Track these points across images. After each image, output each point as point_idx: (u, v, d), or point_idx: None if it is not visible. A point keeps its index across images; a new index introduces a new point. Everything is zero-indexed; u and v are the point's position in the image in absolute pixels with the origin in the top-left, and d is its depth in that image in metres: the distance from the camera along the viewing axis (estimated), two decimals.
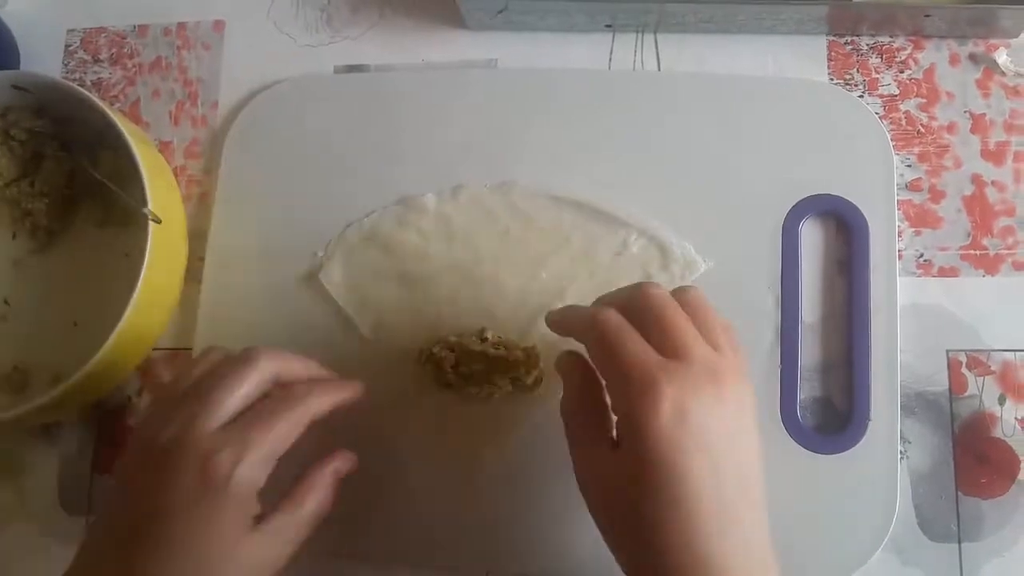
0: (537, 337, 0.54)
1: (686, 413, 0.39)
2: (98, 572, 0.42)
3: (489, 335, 0.53)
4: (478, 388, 0.53)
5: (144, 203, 0.54)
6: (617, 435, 0.41)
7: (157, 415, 0.45)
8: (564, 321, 0.46)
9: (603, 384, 0.43)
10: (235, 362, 0.45)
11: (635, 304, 0.42)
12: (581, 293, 0.54)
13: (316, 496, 0.46)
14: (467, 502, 0.53)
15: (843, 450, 0.51)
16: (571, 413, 0.45)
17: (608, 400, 0.43)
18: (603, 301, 0.44)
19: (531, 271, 0.55)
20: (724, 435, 0.40)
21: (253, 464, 0.42)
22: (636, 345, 0.40)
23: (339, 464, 0.48)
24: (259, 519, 0.43)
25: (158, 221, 0.53)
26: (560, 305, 0.53)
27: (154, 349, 0.59)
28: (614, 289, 0.50)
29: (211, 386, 0.44)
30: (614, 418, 0.41)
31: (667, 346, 0.40)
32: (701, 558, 0.38)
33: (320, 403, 0.46)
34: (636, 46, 0.60)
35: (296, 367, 0.47)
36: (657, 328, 0.41)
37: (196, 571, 0.41)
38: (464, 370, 0.53)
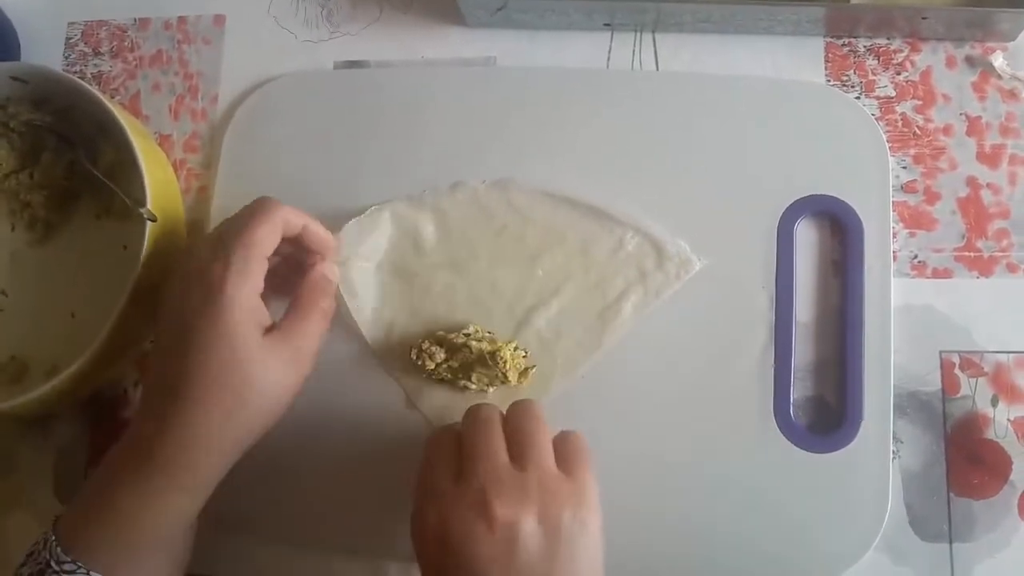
0: (533, 333, 0.54)
1: (502, 533, 0.41)
2: (151, 402, 0.48)
3: (471, 329, 0.53)
4: (468, 381, 0.53)
5: (142, 198, 0.54)
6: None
7: (193, 260, 0.48)
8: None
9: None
10: (247, 209, 0.49)
11: (511, 409, 0.47)
12: (576, 290, 0.54)
13: (317, 298, 0.50)
14: None
15: (836, 449, 0.51)
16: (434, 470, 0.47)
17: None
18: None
19: (527, 268, 0.55)
20: (536, 555, 0.41)
21: (240, 268, 0.46)
22: (492, 441, 0.45)
23: (326, 269, 0.51)
24: (269, 329, 0.47)
25: (154, 219, 0.54)
26: (556, 303, 0.54)
27: (151, 342, 0.59)
28: (610, 287, 0.52)
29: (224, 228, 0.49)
30: None
31: (516, 450, 0.45)
32: None
33: (290, 215, 0.49)
34: (634, 45, 0.60)
35: (295, 219, 0.50)
36: (516, 430, 0.46)
37: (219, 376, 0.45)
38: (454, 364, 0.53)
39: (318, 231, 0.52)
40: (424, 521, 0.43)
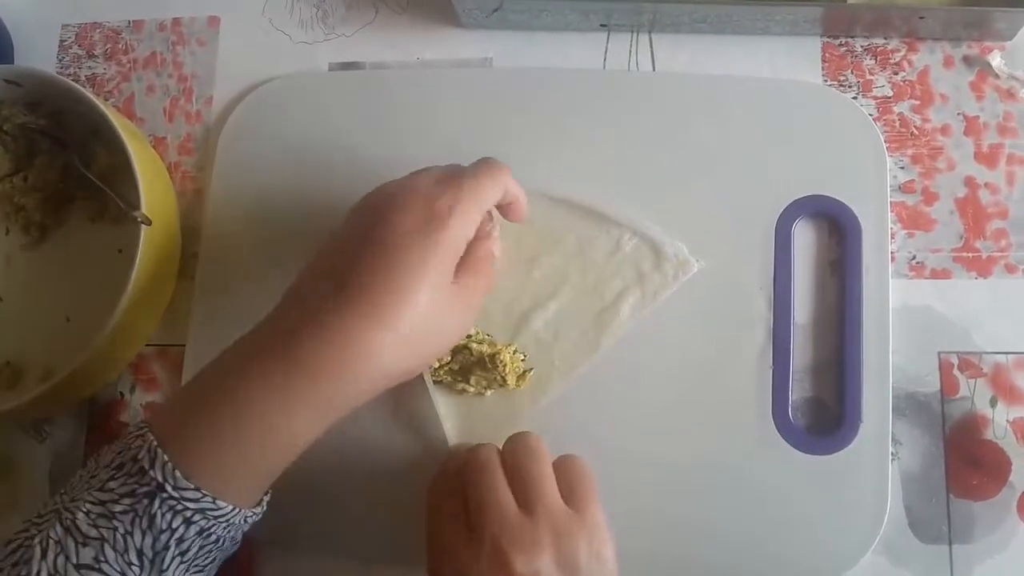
0: (530, 335, 0.54)
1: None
2: (310, 303, 0.43)
3: (471, 331, 0.53)
4: (466, 383, 0.53)
5: (137, 200, 0.54)
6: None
7: (422, 188, 0.46)
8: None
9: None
10: (489, 175, 0.47)
11: (508, 446, 0.47)
12: (574, 292, 0.54)
13: (487, 263, 0.48)
14: None
15: (834, 451, 0.51)
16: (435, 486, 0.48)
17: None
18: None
19: (524, 270, 0.55)
20: None
21: (466, 210, 0.45)
22: (496, 488, 0.44)
23: (494, 244, 0.50)
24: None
25: (148, 223, 0.53)
26: (554, 304, 0.54)
27: (147, 345, 0.59)
28: (607, 288, 0.52)
29: (477, 185, 0.47)
30: None
31: (521, 495, 0.44)
32: None
33: (513, 186, 0.49)
34: (631, 46, 0.60)
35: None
36: (518, 472, 0.45)
37: (414, 300, 0.43)
38: (454, 366, 0.53)
39: (521, 211, 0.51)
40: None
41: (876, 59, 0.57)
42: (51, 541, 0.40)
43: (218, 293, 0.59)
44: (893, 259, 0.54)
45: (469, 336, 0.53)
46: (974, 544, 0.50)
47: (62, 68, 0.65)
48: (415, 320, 0.43)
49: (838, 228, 0.54)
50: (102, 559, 0.39)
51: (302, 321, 0.42)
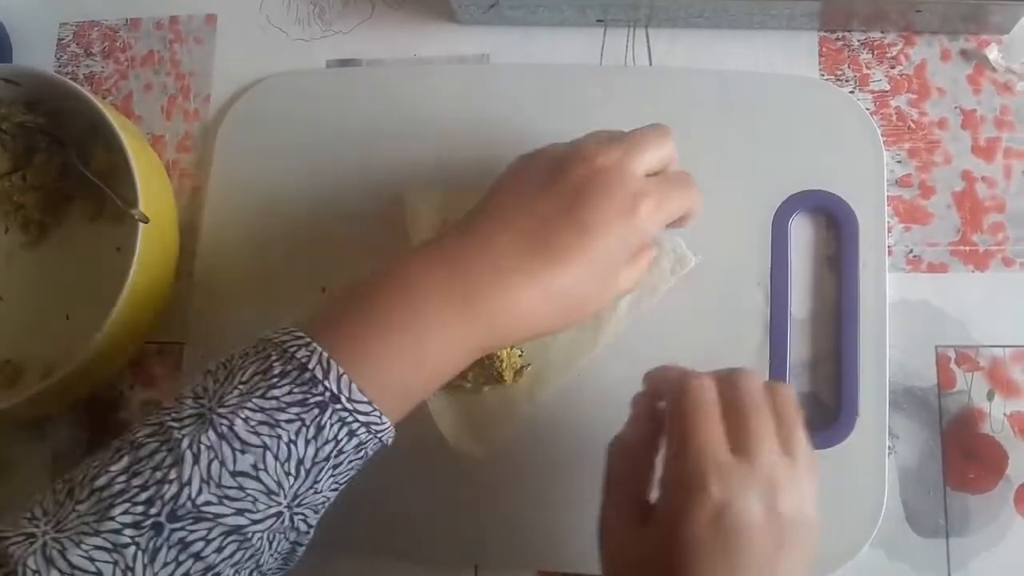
0: None
1: (724, 519, 0.38)
2: (491, 258, 0.44)
3: None
4: (463, 379, 0.53)
5: (135, 199, 0.54)
6: (655, 504, 0.41)
7: (592, 141, 0.47)
8: (657, 377, 0.46)
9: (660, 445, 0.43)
10: (655, 131, 0.48)
11: (728, 387, 0.42)
12: None
13: (642, 264, 0.49)
14: (455, 496, 0.54)
15: (831, 445, 0.51)
16: (621, 454, 0.45)
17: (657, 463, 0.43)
18: (709, 374, 0.44)
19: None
20: (761, 547, 0.38)
21: (664, 218, 0.46)
22: (710, 433, 0.40)
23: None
24: None
25: (146, 221, 0.54)
26: None
27: (146, 343, 0.59)
28: None
29: (641, 138, 0.47)
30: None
31: (739, 443, 0.40)
32: None
33: (696, 199, 0.49)
34: (627, 41, 0.60)
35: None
36: (738, 420, 0.41)
37: (588, 287, 0.45)
38: None
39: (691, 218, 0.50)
40: (703, 500, 0.38)
41: (873, 53, 0.57)
42: (202, 447, 0.38)
43: (216, 290, 0.59)
44: (890, 253, 0.54)
45: None
46: (971, 537, 0.51)
47: (60, 67, 0.65)
48: (586, 289, 0.45)
49: (835, 222, 0.54)
50: (261, 467, 0.39)
51: (491, 275, 0.44)
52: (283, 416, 0.39)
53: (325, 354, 0.40)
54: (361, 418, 0.40)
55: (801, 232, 0.55)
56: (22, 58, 0.65)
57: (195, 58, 0.64)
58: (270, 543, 0.40)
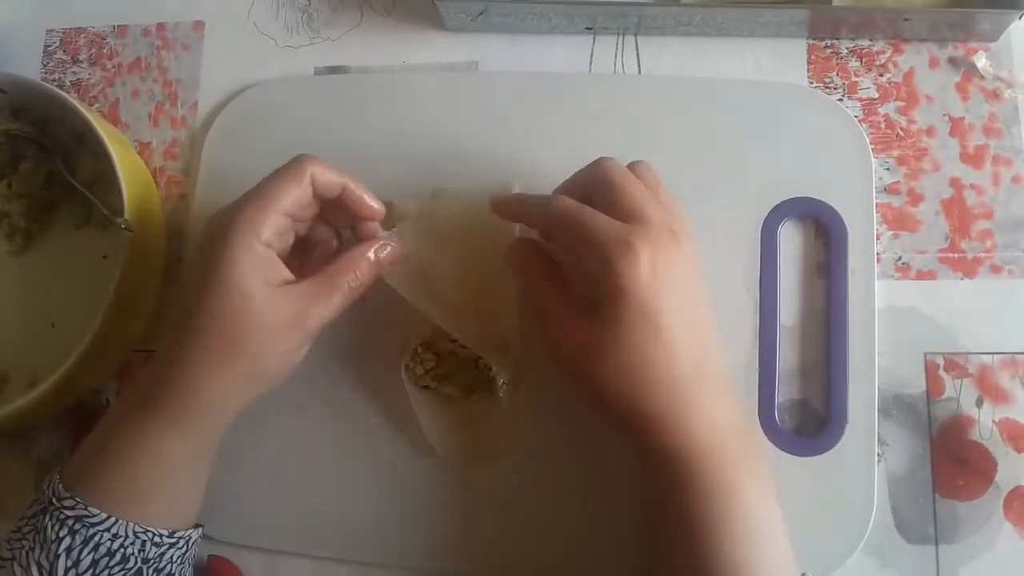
0: (515, 336, 0.54)
1: (658, 268, 0.43)
2: (159, 350, 0.50)
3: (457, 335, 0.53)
4: (452, 388, 0.53)
5: (121, 207, 0.54)
6: (593, 299, 0.45)
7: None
8: (516, 207, 0.51)
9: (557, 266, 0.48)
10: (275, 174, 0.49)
11: (593, 178, 0.47)
12: None
13: (345, 270, 0.49)
14: (445, 505, 0.53)
15: (821, 452, 0.51)
16: (538, 290, 0.48)
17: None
18: (562, 187, 0.49)
19: (507, 271, 0.55)
20: (688, 286, 0.45)
21: (251, 218, 0.47)
22: (599, 218, 0.45)
23: (378, 248, 0.50)
24: (291, 283, 0.48)
25: (131, 230, 0.53)
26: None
27: (133, 351, 0.59)
28: None
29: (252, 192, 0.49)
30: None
31: (626, 213, 0.45)
32: (686, 397, 0.44)
33: (322, 171, 0.49)
34: (616, 49, 0.59)
35: (331, 178, 0.50)
36: (615, 198, 0.46)
37: (220, 312, 0.46)
38: (439, 370, 0.53)
39: (359, 194, 0.50)
40: (636, 255, 0.43)
41: (862, 61, 0.57)
42: None
43: None
44: (879, 260, 0.54)
45: (454, 340, 0.53)
46: (960, 544, 0.51)
47: (47, 73, 0.65)
48: (232, 346, 0.46)
49: (824, 230, 0.54)
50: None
51: (155, 372, 0.48)
52: (26, 528, 0.46)
53: (56, 474, 0.47)
54: (70, 513, 0.45)
55: (790, 239, 0.55)
56: (8, 65, 0.65)
57: (183, 65, 0.64)
58: None
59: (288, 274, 0.48)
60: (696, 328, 0.45)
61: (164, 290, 0.59)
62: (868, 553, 0.51)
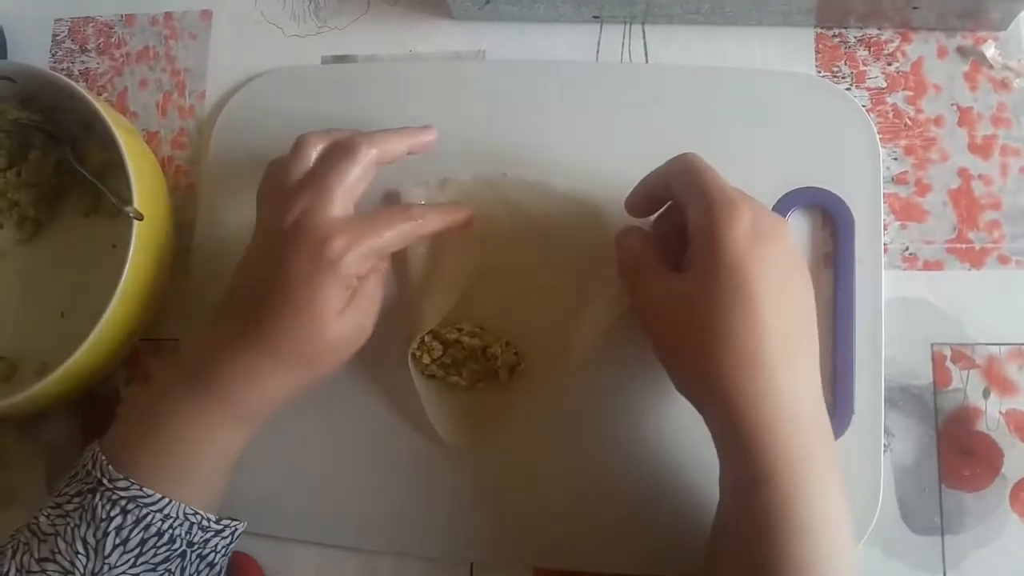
0: (522, 326, 0.54)
1: (761, 232, 0.43)
2: (218, 334, 0.49)
3: (465, 325, 0.53)
4: (458, 377, 0.53)
5: (129, 195, 0.54)
6: (689, 258, 0.45)
7: (278, 204, 0.49)
8: (640, 191, 0.50)
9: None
10: (339, 154, 0.49)
11: (675, 168, 0.48)
12: (566, 283, 0.54)
13: (377, 283, 0.51)
14: (451, 493, 0.54)
15: None
16: (633, 253, 0.49)
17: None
18: (644, 180, 0.50)
19: (516, 263, 0.55)
20: (789, 263, 0.44)
21: (361, 255, 0.47)
22: (715, 174, 0.45)
23: (374, 283, 0.51)
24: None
25: (140, 218, 0.53)
26: (544, 298, 0.54)
27: (141, 340, 0.59)
28: (599, 279, 0.52)
29: (323, 175, 0.49)
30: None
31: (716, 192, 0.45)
32: (767, 371, 0.42)
33: (432, 224, 0.51)
34: (624, 38, 0.59)
35: (393, 146, 0.51)
36: (702, 183, 0.45)
37: (298, 335, 0.47)
38: (445, 359, 0.53)
39: (416, 141, 0.53)
40: (738, 212, 0.43)
41: (870, 50, 0.57)
42: (20, 543, 0.46)
43: (211, 287, 0.58)
44: (886, 251, 0.54)
45: (460, 330, 0.53)
46: (966, 535, 0.51)
47: (55, 63, 0.65)
48: (307, 361, 0.49)
49: (831, 220, 0.54)
50: (56, 551, 0.45)
51: (214, 349, 0.49)
52: (70, 506, 0.47)
53: (98, 450, 0.48)
54: (123, 494, 0.46)
55: (797, 229, 0.54)
56: (17, 54, 0.65)
57: (190, 54, 0.64)
58: None
59: (353, 286, 0.49)
60: (788, 308, 0.43)
61: (173, 279, 0.59)
62: (874, 543, 0.51)
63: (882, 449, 0.51)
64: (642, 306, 0.47)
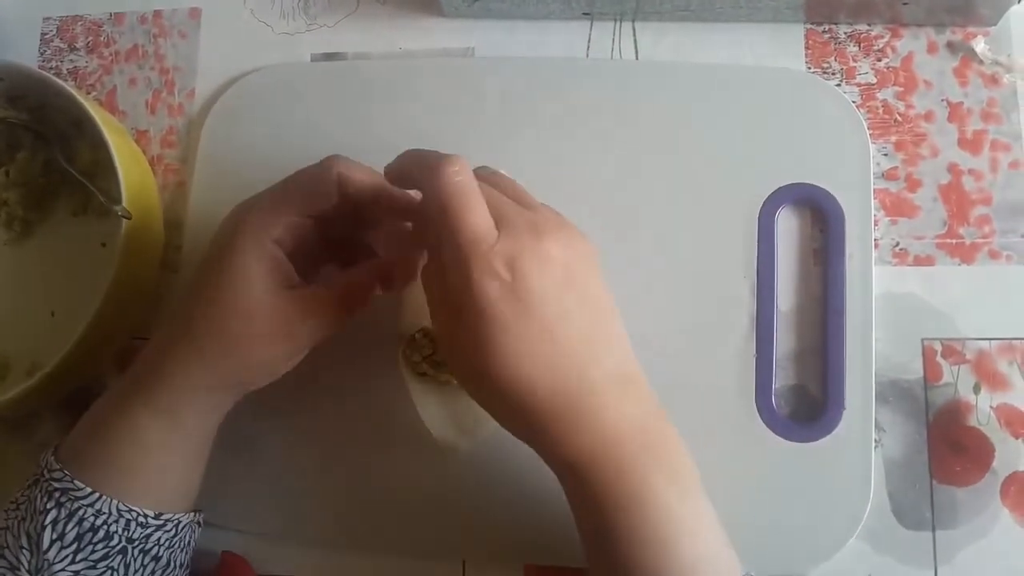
0: None
1: (518, 277, 0.39)
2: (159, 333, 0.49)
3: None
4: (449, 375, 0.53)
5: (118, 194, 0.54)
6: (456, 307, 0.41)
7: (232, 215, 0.49)
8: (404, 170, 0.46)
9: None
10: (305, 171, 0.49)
11: (430, 204, 0.43)
12: None
13: (353, 295, 0.48)
14: (442, 490, 0.54)
15: (817, 438, 0.51)
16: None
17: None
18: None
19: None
20: (561, 287, 0.40)
21: (266, 221, 0.46)
22: (475, 212, 0.41)
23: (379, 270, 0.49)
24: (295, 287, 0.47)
25: (129, 217, 0.53)
26: None
27: (132, 338, 0.59)
28: None
29: (275, 197, 0.48)
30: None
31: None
32: (569, 409, 0.40)
33: (353, 172, 0.47)
34: (614, 34, 0.59)
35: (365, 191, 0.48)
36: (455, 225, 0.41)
37: (212, 312, 0.46)
38: (436, 357, 0.53)
39: (397, 196, 0.48)
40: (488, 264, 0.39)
41: (859, 46, 0.57)
42: None
43: None
44: (876, 246, 0.54)
45: None
46: (957, 530, 0.51)
47: (44, 61, 0.65)
48: (227, 342, 0.46)
49: (821, 216, 0.54)
50: (4, 544, 0.46)
51: (149, 357, 0.48)
52: (21, 499, 0.47)
53: (51, 449, 0.48)
54: (57, 485, 0.46)
55: (787, 225, 0.54)
56: (5, 53, 0.65)
57: (179, 52, 0.63)
58: None
59: (294, 278, 0.48)
60: (577, 329, 0.41)
61: (162, 277, 0.59)
62: (865, 539, 0.51)
63: (873, 444, 0.51)
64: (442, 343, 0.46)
